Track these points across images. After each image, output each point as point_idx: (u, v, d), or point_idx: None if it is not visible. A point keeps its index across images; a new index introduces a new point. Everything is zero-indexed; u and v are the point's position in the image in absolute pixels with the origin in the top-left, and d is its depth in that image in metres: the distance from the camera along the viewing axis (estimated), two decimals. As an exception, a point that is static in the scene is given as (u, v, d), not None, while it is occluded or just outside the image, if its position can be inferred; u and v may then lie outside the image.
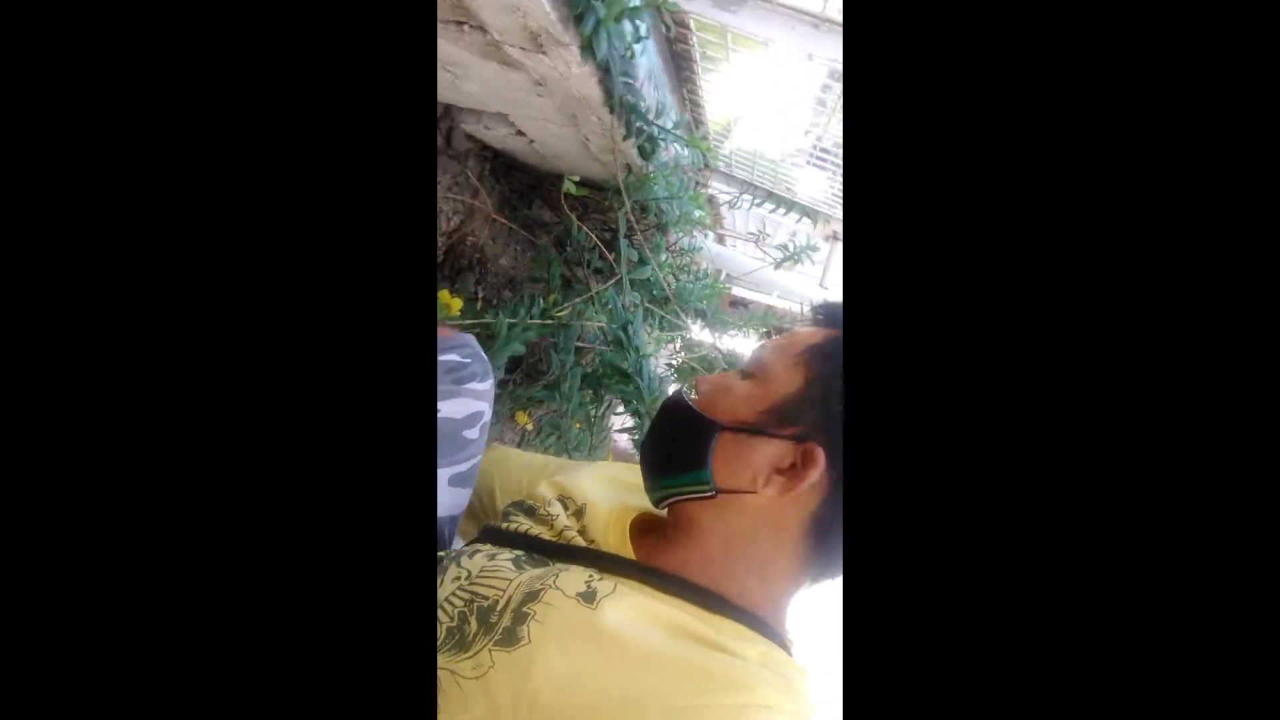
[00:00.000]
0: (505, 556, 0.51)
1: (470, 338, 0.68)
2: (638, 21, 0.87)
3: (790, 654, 0.49)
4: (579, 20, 0.76)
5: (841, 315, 0.52)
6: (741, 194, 1.87)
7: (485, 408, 0.67)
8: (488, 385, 0.68)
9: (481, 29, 0.85)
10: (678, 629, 0.45)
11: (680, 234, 1.64)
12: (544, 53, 0.86)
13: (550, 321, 1.29)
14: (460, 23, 0.85)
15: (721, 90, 1.50)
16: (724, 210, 1.97)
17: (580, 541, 0.54)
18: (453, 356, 0.65)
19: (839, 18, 0.89)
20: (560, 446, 1.39)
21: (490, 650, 0.43)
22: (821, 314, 0.54)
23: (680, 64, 1.32)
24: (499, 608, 0.46)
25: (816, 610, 0.56)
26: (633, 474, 0.62)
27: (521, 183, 1.73)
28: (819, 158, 1.74)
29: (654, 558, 0.51)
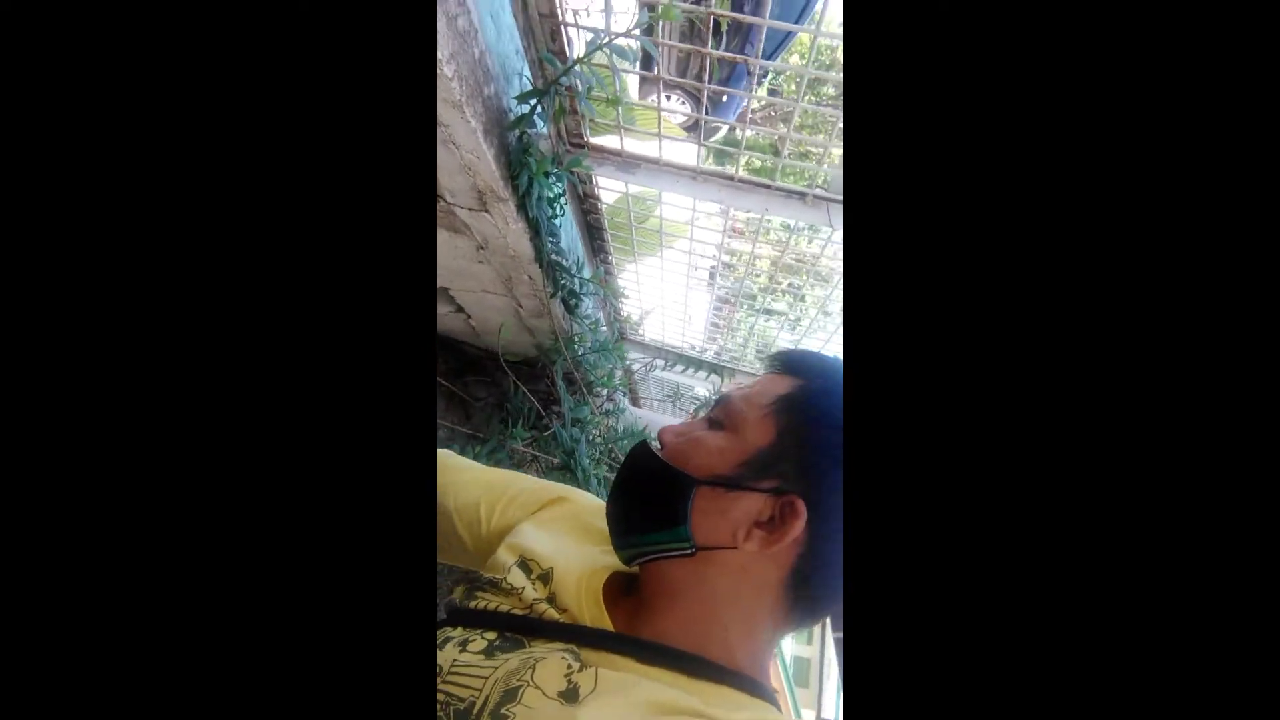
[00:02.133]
0: (477, 647, 0.49)
1: None
2: (556, 185, 1.13)
3: (779, 708, 0.48)
4: (515, 176, 1.00)
5: (800, 363, 0.54)
6: (654, 360, 2.11)
7: None
8: None
9: (441, 197, 1.08)
10: (663, 709, 0.43)
11: (605, 393, 1.83)
12: (487, 210, 1.09)
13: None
14: (419, 194, 1.08)
15: (634, 277, 1.80)
16: (638, 377, 2.20)
17: (553, 613, 0.51)
18: None
19: (714, 167, 1.19)
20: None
21: None
22: (778, 364, 0.54)
23: (593, 232, 1.61)
24: (475, 710, 0.44)
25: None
26: (591, 515, 0.62)
27: (459, 360, 1.91)
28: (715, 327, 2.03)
29: (633, 625, 0.50)
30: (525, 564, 0.56)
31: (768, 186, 1.19)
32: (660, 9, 0.78)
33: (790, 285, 1.88)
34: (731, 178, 1.17)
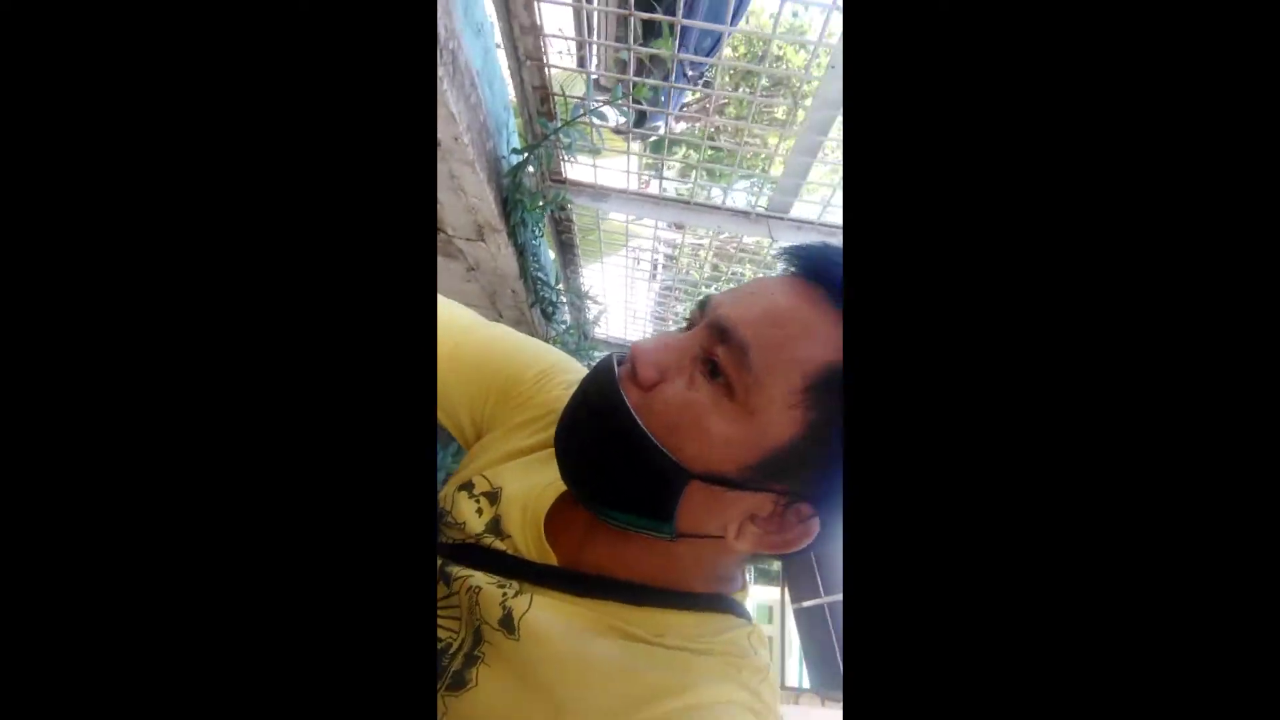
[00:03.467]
0: (442, 587, 0.47)
1: None
2: (542, 216, 1.32)
3: (745, 615, 0.45)
4: (509, 211, 1.19)
5: (832, 265, 0.40)
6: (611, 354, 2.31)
7: None
8: None
9: (442, 230, 1.26)
10: (605, 631, 0.41)
11: None
12: (483, 240, 1.28)
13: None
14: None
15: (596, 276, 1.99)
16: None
17: (498, 544, 0.47)
18: None
19: (672, 193, 1.40)
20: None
21: (443, 695, 0.41)
22: (821, 274, 0.40)
23: (565, 249, 1.81)
24: (452, 650, 0.44)
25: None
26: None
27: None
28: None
29: (578, 558, 0.46)
30: (470, 484, 0.51)
31: (716, 208, 1.41)
32: (634, 87, 0.99)
33: (733, 274, 2.00)
34: (688, 202, 1.38)
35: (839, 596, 4.98)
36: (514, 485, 0.49)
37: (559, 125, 1.04)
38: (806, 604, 5.68)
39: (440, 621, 0.46)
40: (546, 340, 1.82)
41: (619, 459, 0.40)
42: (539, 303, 1.59)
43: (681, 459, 0.38)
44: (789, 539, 0.39)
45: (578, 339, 2.01)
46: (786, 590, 6.31)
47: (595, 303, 2.01)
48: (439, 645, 0.44)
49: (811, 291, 0.39)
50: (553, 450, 0.46)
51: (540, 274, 1.50)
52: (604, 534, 0.45)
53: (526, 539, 0.46)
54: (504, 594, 0.43)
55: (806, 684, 5.78)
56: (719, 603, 0.44)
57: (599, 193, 1.39)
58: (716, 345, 0.39)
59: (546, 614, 0.42)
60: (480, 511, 0.49)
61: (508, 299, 1.60)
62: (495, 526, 0.48)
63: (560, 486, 0.46)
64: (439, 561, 0.49)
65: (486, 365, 0.57)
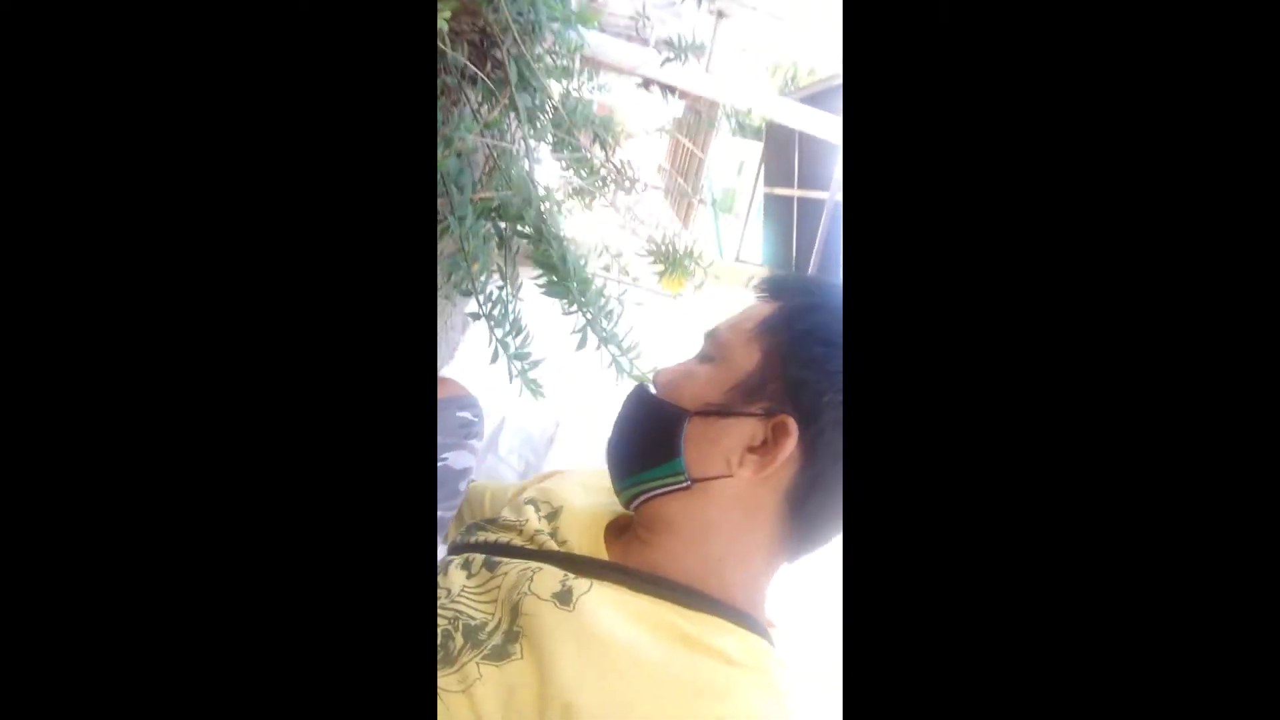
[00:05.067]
0: (478, 564, 0.52)
1: (477, 399, 0.74)
2: None
3: (771, 641, 0.49)
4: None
5: (781, 285, 0.54)
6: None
7: (475, 464, 0.74)
8: (481, 444, 0.75)
9: None
10: (658, 625, 0.45)
11: (558, 30, 1.51)
12: None
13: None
14: None
15: None
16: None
17: (553, 545, 0.52)
18: (466, 414, 0.72)
19: None
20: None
21: (479, 663, 0.44)
22: (766, 289, 0.55)
23: None
24: (489, 628, 0.46)
25: (797, 588, 0.56)
26: (591, 476, 0.63)
27: None
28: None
29: (626, 558, 0.51)
30: (535, 503, 0.58)
31: None
32: None
33: None
34: None
35: (810, 192, 4.98)
36: (574, 502, 0.57)
37: None
38: (778, 191, 5.73)
39: (477, 605, 0.50)
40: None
41: (640, 423, 0.53)
42: None
43: (680, 402, 0.50)
44: (780, 449, 0.46)
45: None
46: (762, 171, 6.30)
47: None
48: (472, 622, 0.48)
49: (762, 301, 0.54)
50: (593, 488, 0.60)
51: None
52: (649, 541, 0.51)
53: (583, 543, 0.52)
54: (565, 576, 0.48)
55: (761, 260, 6.23)
56: (758, 627, 0.49)
57: None
58: (705, 344, 0.54)
59: (606, 594, 0.46)
60: (541, 519, 0.56)
61: None
62: (554, 535, 0.54)
63: (617, 509, 0.55)
64: (483, 556, 0.54)
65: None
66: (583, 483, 0.61)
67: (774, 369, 0.48)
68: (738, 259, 6.44)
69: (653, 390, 0.53)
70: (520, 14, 0.76)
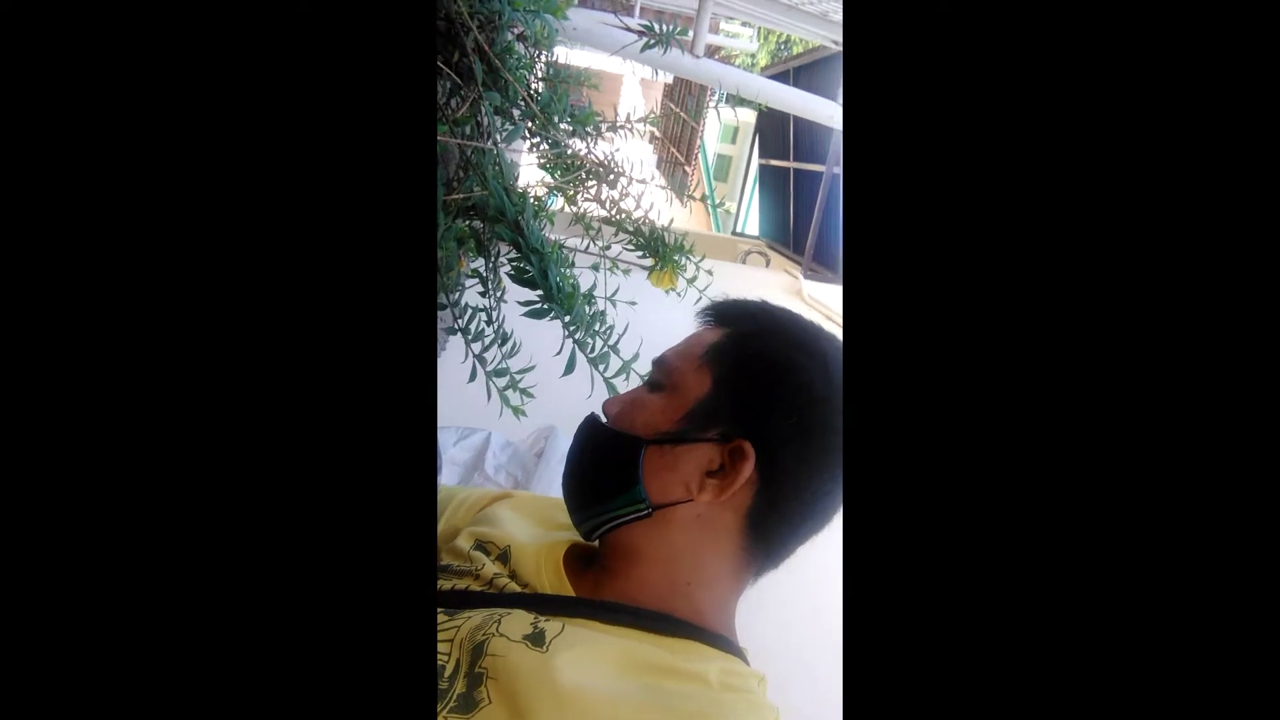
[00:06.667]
0: (440, 616, 0.49)
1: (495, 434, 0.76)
2: None
3: (746, 661, 0.49)
4: None
5: (727, 312, 0.54)
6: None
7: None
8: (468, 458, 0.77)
9: None
10: (633, 663, 0.44)
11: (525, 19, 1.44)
12: None
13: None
14: None
15: None
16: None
17: (514, 587, 0.51)
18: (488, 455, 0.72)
19: None
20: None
21: (446, 717, 0.42)
22: (710, 315, 0.55)
23: None
24: (447, 674, 0.44)
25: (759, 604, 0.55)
26: (550, 505, 0.62)
27: None
28: None
29: (597, 591, 0.50)
30: (482, 546, 0.56)
31: None
32: None
33: None
34: None
35: (806, 164, 4.90)
36: (519, 538, 0.56)
37: None
38: (773, 162, 5.64)
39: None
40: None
41: (595, 455, 0.52)
42: None
43: (634, 431, 0.50)
44: (738, 473, 0.47)
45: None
46: (757, 144, 6.20)
47: None
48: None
49: (708, 328, 0.54)
50: (546, 503, 0.62)
51: None
52: (617, 571, 0.51)
53: (543, 581, 0.51)
54: (535, 618, 0.46)
55: (758, 232, 6.16)
56: (734, 648, 0.49)
57: None
58: (653, 372, 0.54)
59: (580, 634, 0.45)
60: (493, 560, 0.55)
61: None
62: (514, 577, 0.53)
63: (569, 538, 0.54)
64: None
65: (440, 496, 0.68)
66: (513, 514, 0.61)
67: (725, 394, 0.49)
68: (734, 232, 6.37)
69: (604, 420, 0.53)
70: (482, 1, 0.70)
